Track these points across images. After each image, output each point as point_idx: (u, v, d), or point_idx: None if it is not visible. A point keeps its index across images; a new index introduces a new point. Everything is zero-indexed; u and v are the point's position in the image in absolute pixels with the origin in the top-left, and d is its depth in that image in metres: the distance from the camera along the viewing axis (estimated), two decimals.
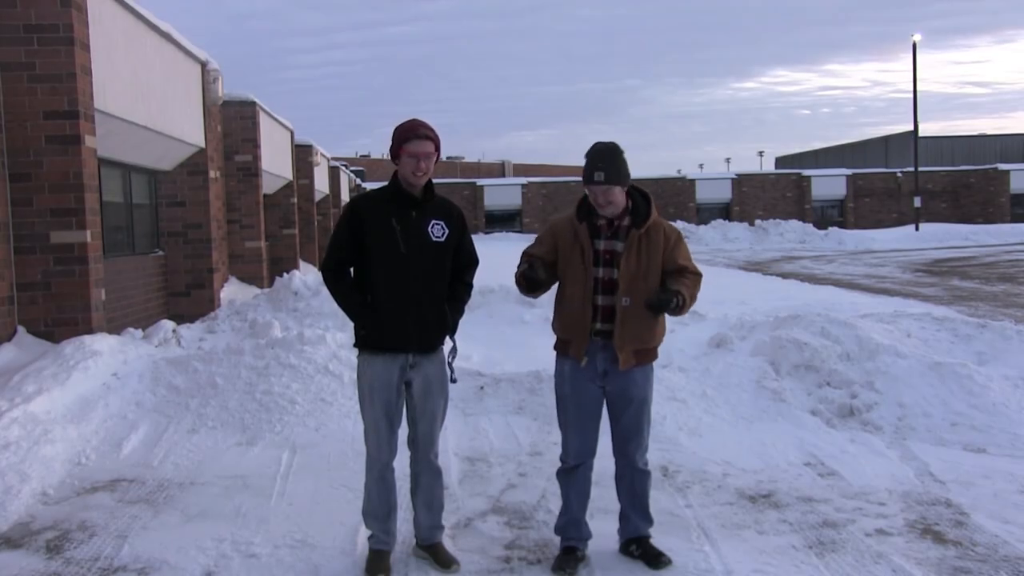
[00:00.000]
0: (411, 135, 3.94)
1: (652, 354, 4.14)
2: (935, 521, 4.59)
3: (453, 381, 4.17)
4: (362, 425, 4.14)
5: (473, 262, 4.23)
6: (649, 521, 4.22)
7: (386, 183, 4.13)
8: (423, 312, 3.98)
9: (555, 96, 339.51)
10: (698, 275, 4.15)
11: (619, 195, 4.00)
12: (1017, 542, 4.28)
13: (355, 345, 4.09)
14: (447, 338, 4.12)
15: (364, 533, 4.27)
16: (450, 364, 4.15)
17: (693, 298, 4.04)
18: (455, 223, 4.10)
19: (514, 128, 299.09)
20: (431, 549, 4.12)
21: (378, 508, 4.08)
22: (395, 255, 3.94)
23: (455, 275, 4.14)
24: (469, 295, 4.23)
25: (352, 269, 4.09)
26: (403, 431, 4.17)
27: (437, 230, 4.02)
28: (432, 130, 4.00)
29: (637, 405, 4.10)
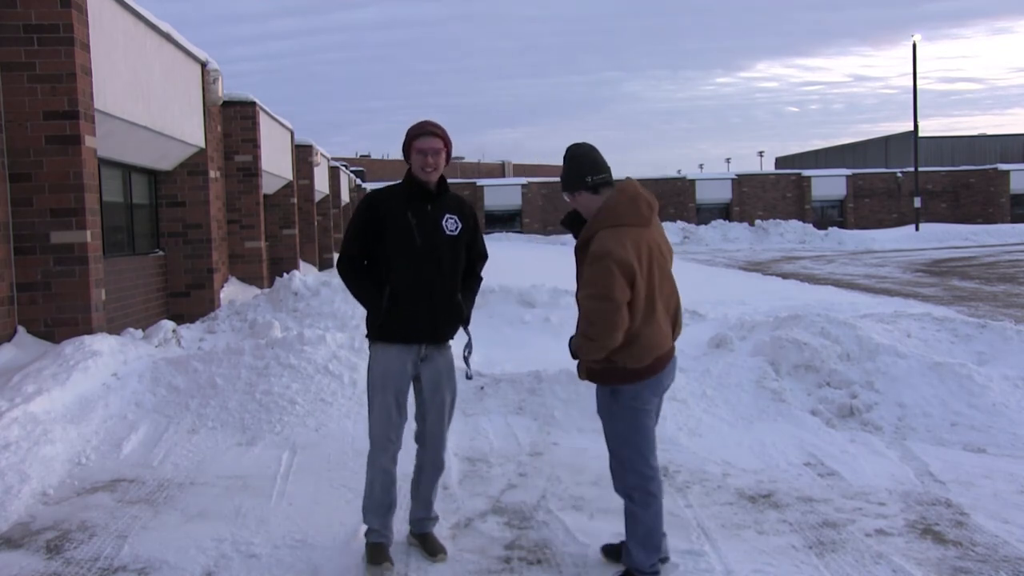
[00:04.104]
0: (420, 132, 4.10)
1: None
2: (935, 521, 4.59)
3: (469, 377, 4.30)
4: (363, 425, 4.25)
5: (484, 256, 4.40)
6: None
7: (392, 182, 4.28)
8: (437, 304, 4.08)
9: (527, 89, 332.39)
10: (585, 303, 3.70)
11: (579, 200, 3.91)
12: (1017, 542, 4.28)
13: (367, 336, 4.17)
14: (462, 330, 4.23)
15: (363, 531, 4.27)
16: (466, 359, 4.26)
17: (580, 346, 3.74)
18: (468, 218, 4.23)
19: (494, 125, 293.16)
20: (422, 538, 4.25)
21: (380, 503, 4.15)
22: (411, 248, 4.05)
23: (467, 268, 4.27)
24: (479, 286, 4.38)
25: (367, 262, 4.18)
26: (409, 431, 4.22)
27: (451, 224, 4.14)
28: (440, 128, 4.14)
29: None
